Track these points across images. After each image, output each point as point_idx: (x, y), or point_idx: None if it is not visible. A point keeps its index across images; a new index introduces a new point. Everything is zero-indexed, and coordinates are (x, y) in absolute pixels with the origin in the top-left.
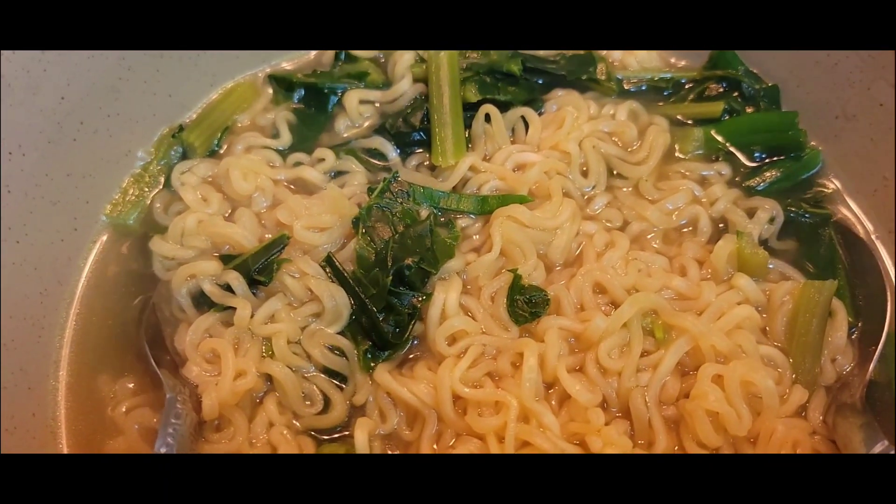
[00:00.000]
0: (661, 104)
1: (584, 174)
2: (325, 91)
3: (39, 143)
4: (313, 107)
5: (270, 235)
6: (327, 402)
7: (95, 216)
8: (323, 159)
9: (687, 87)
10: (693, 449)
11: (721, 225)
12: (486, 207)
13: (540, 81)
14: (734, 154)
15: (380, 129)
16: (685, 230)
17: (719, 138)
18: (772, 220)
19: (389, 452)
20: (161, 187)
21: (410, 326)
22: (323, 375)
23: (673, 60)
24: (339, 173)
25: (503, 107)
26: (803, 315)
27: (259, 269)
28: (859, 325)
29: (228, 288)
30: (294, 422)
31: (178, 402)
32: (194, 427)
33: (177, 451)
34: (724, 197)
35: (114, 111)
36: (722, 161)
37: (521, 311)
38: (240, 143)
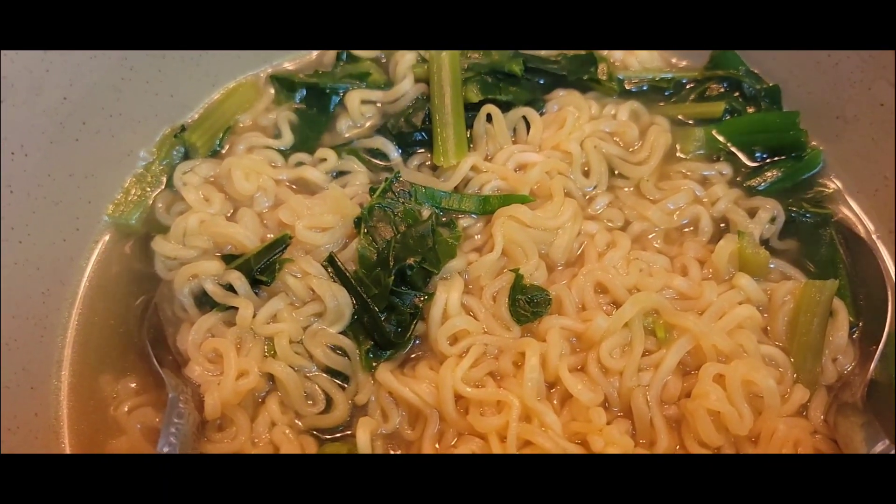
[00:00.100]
0: (662, 104)
1: (586, 174)
2: (327, 91)
3: (42, 143)
4: (315, 107)
5: (272, 235)
6: (329, 402)
7: (97, 216)
8: (325, 159)
9: (688, 87)
10: (694, 448)
11: (722, 225)
12: (487, 207)
13: (541, 81)
14: (735, 154)
15: (381, 129)
16: (686, 230)
17: (720, 138)
18: (773, 220)
19: (391, 452)
20: (163, 187)
21: (412, 326)
22: (325, 375)
23: (674, 60)
24: (340, 173)
25: (505, 107)
26: (804, 314)
27: (261, 268)
28: (860, 324)
29: (230, 288)
30: (296, 421)
31: (181, 401)
32: (197, 427)
33: (179, 450)
34: (726, 197)
35: (116, 111)
36: (723, 161)
37: (523, 310)
38: (242, 143)
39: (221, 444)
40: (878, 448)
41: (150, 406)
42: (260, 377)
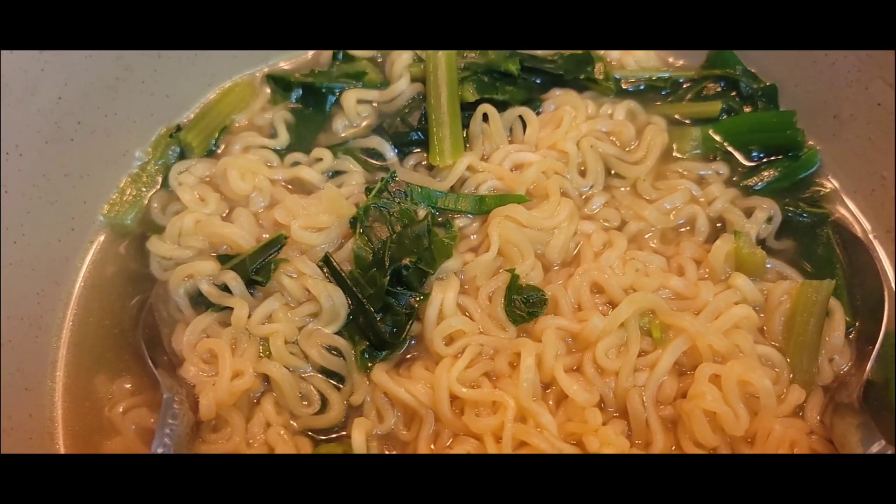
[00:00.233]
0: (658, 104)
1: (582, 174)
2: (323, 91)
3: (37, 143)
4: (311, 106)
5: (268, 235)
6: (324, 403)
7: (93, 216)
8: (321, 159)
9: (685, 86)
10: (690, 449)
11: (719, 224)
12: (483, 207)
13: (538, 81)
14: (732, 153)
15: (377, 129)
16: (683, 230)
17: (717, 138)
18: (769, 220)
19: (387, 453)
20: (159, 187)
21: (408, 326)
22: (320, 375)
23: (671, 60)
24: (336, 173)
25: (501, 106)
26: (801, 314)
27: (256, 269)
28: (857, 324)
29: (226, 288)
30: (291, 422)
31: (175, 402)
32: (191, 427)
33: (174, 451)
34: (722, 196)
35: (111, 111)
36: (720, 160)
37: (519, 310)
38: (237, 143)
39: (216, 445)
40: (874, 448)
41: (146, 407)
42: (255, 378)
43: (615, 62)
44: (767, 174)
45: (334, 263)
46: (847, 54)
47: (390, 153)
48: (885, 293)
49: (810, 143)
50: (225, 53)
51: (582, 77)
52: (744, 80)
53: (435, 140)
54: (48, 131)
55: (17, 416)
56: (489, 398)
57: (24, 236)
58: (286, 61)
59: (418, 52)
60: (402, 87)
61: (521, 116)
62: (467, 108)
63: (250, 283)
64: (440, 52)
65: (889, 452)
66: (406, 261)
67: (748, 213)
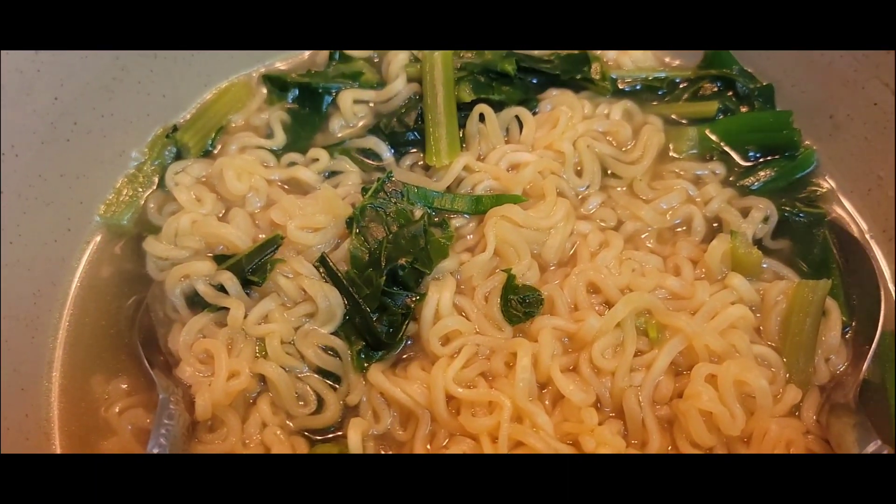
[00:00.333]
0: (655, 103)
1: (579, 174)
2: (320, 91)
3: (33, 143)
4: (307, 107)
5: (264, 236)
6: (321, 403)
7: (89, 217)
8: (317, 159)
9: (681, 86)
10: (686, 449)
11: (715, 224)
12: (480, 207)
13: (534, 81)
14: (728, 153)
15: (374, 129)
16: (679, 230)
17: (714, 138)
18: (766, 220)
19: (382, 453)
20: (155, 187)
21: (404, 326)
22: (316, 376)
23: (667, 60)
24: (333, 173)
25: (497, 106)
26: (797, 314)
27: (253, 269)
28: (853, 324)
29: (222, 288)
30: (287, 422)
31: (171, 402)
32: (187, 428)
33: (169, 451)
34: (719, 196)
35: (108, 111)
36: (716, 160)
37: (515, 310)
38: (234, 144)
39: (212, 446)
40: (870, 448)
41: (142, 407)
42: (251, 378)
43: (612, 62)
44: (764, 174)
45: (330, 264)
46: (844, 54)
47: (387, 153)
48: (882, 293)
49: (807, 142)
50: (221, 53)
51: (578, 77)
52: (740, 80)
53: (431, 140)
54: (44, 132)
55: (14, 417)
56: (485, 398)
57: (21, 237)
58: (283, 61)
59: (415, 52)
60: (399, 88)
61: (517, 116)
62: (464, 109)
63: (246, 284)
64: (436, 52)
65: (885, 452)
66: (402, 261)
67: (745, 212)
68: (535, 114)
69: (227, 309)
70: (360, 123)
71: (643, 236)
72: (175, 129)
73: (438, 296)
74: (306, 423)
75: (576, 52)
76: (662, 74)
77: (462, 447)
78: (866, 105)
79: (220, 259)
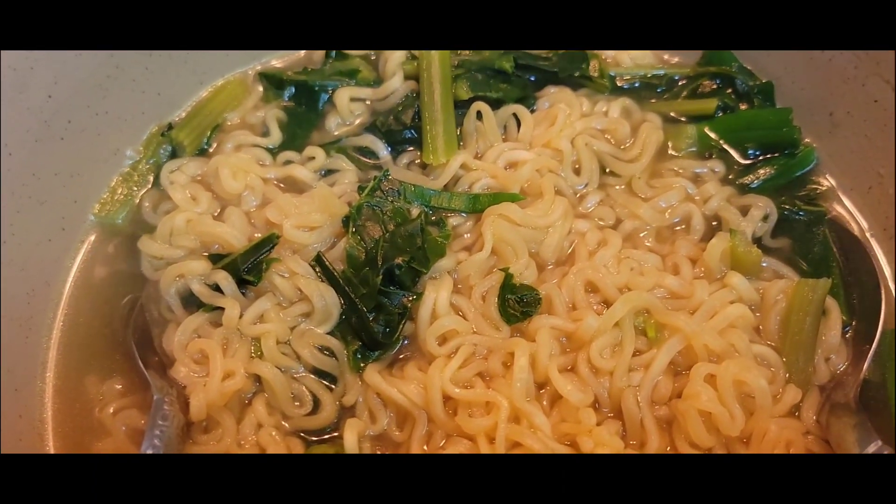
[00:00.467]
0: (654, 101)
1: (577, 172)
2: (316, 89)
3: (26, 141)
4: (304, 105)
5: (260, 234)
6: (317, 403)
7: (83, 215)
8: (313, 157)
9: (680, 83)
10: (685, 449)
11: (714, 223)
12: (477, 206)
13: (532, 78)
14: (728, 151)
15: (371, 127)
16: (678, 228)
17: (713, 135)
18: (765, 218)
19: (379, 454)
20: (150, 186)
21: (401, 326)
22: (312, 376)
23: (666, 57)
24: (329, 172)
25: (495, 104)
26: (797, 314)
27: (248, 268)
28: (853, 323)
29: (217, 288)
30: (283, 423)
31: (166, 403)
32: (182, 428)
33: (164, 452)
34: (718, 195)
35: (102, 109)
36: (715, 158)
37: (513, 310)
38: (229, 142)
39: (207, 446)
40: (871, 449)
41: (136, 408)
42: (246, 378)
43: (610, 60)
44: (763, 172)
45: (326, 263)
46: (844, 51)
47: (383, 151)
48: (882, 292)
49: (807, 140)
50: (217, 52)
51: (577, 74)
52: (740, 78)
53: (428, 138)
54: (38, 130)
55: (7, 417)
56: (482, 398)
57: (14, 236)
58: (279, 59)
59: (412, 50)
60: (396, 85)
61: (515, 114)
62: (461, 106)
63: (242, 283)
64: (434, 50)
65: (885, 452)
66: (399, 260)
67: (744, 211)
68: (532, 111)
69: (222, 309)
70: (357, 121)
71: (642, 235)
72: (170, 127)
73: (435, 295)
74: (302, 423)
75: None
76: (661, 72)
77: (459, 448)
78: (866, 102)
79: (215, 258)
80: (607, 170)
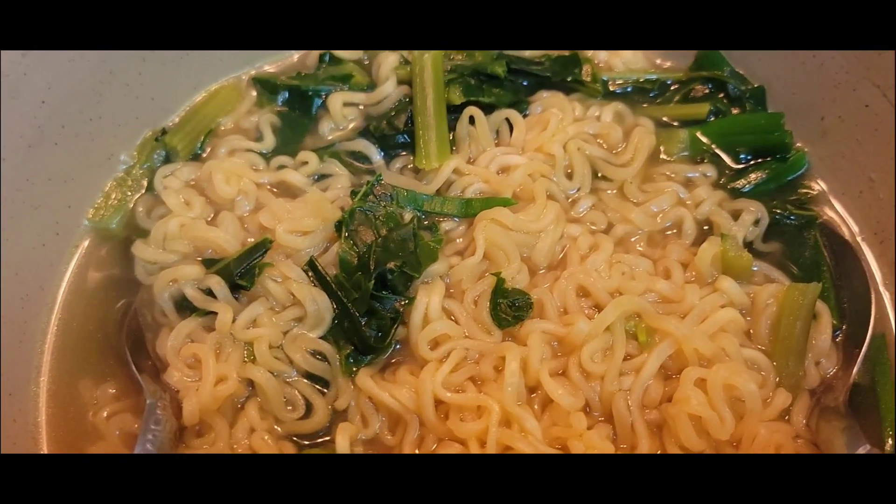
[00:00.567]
0: (646, 106)
1: (569, 176)
2: (309, 93)
3: (20, 147)
4: (297, 109)
5: (253, 239)
6: (309, 407)
7: (77, 220)
8: (306, 162)
9: (672, 88)
10: (676, 453)
11: (706, 227)
12: (469, 210)
13: (525, 83)
14: (720, 156)
15: (364, 132)
16: (670, 233)
17: (705, 140)
18: (757, 222)
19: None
20: (144, 191)
21: (393, 331)
22: (305, 380)
23: (658, 61)
24: (322, 176)
25: (487, 109)
26: (787, 318)
27: (241, 273)
28: (844, 327)
29: (211, 292)
30: (276, 427)
31: (159, 407)
32: (175, 433)
33: None
34: (710, 199)
35: (96, 115)
36: (707, 163)
37: (505, 314)
38: (223, 147)
39: (200, 450)
40: (859, 452)
41: (130, 412)
42: (239, 383)
43: (602, 64)
44: (755, 176)
45: (319, 267)
46: (835, 55)
47: (376, 156)
48: (872, 296)
49: (798, 145)
50: (210, 56)
51: (569, 79)
52: (731, 82)
53: (421, 143)
54: (31, 135)
55: (1, 421)
56: (474, 402)
57: (8, 241)
58: (272, 64)
59: (405, 54)
60: (389, 90)
61: (507, 119)
62: (454, 111)
63: (235, 288)
64: (426, 55)
65: None
66: (391, 265)
67: (735, 215)
68: (525, 116)
69: (215, 313)
70: (350, 126)
71: (633, 239)
72: (164, 132)
73: (427, 300)
74: (294, 427)
75: (566, 53)
76: (653, 76)
77: (450, 451)
78: (857, 107)
79: (208, 263)
80: (599, 174)
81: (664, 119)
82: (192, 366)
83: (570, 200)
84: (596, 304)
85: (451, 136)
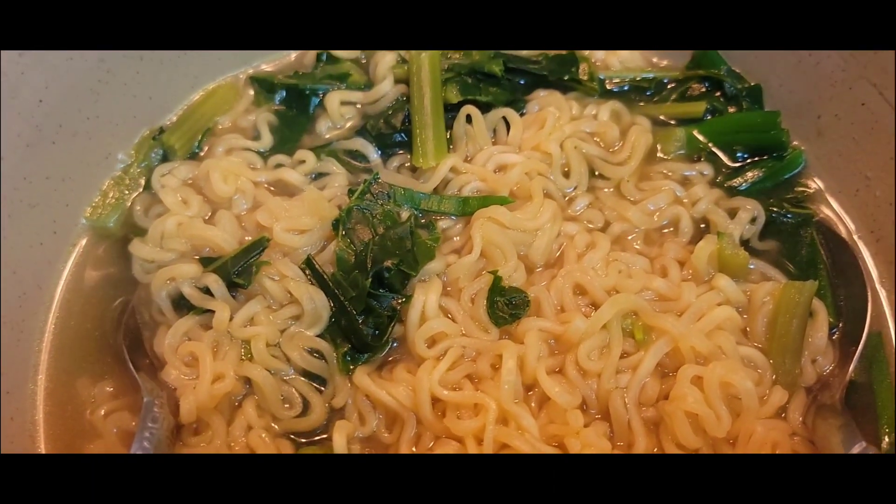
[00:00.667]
0: (643, 104)
1: (566, 175)
2: (307, 92)
3: (17, 146)
4: (295, 108)
5: (250, 238)
6: (306, 405)
7: (75, 219)
8: (304, 161)
9: (669, 86)
10: (672, 450)
11: (703, 225)
12: (466, 209)
13: (522, 82)
14: (716, 154)
15: (361, 131)
16: (666, 231)
17: (701, 138)
18: (753, 221)
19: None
20: (141, 190)
21: (390, 329)
22: (302, 378)
23: (655, 60)
24: (319, 175)
25: (484, 107)
26: (784, 316)
27: (238, 271)
28: (840, 325)
29: (208, 291)
30: (273, 425)
31: (156, 405)
32: (172, 431)
33: (153, 454)
34: (706, 197)
35: (93, 113)
36: (704, 161)
37: (501, 312)
38: (220, 145)
39: (197, 448)
40: (855, 450)
41: (127, 410)
42: (236, 381)
43: (599, 63)
44: (752, 175)
45: (316, 266)
46: (831, 54)
47: (374, 155)
48: (869, 294)
49: (795, 143)
50: (208, 55)
51: (566, 78)
52: (728, 81)
53: (418, 141)
54: (29, 134)
55: None
56: (471, 400)
57: (6, 239)
58: (269, 63)
59: (402, 53)
60: (386, 89)
61: (504, 117)
62: (451, 110)
63: (232, 286)
64: (424, 54)
65: (870, 453)
66: (388, 263)
67: (732, 213)
68: (522, 115)
69: (212, 311)
70: (348, 125)
71: (630, 237)
72: (161, 131)
73: (424, 298)
74: (292, 425)
75: (563, 52)
76: (650, 75)
77: (447, 449)
78: (854, 105)
79: (206, 261)
80: (596, 173)
81: (661, 117)
82: (189, 364)
83: (566, 199)
84: (593, 302)
85: (448, 134)
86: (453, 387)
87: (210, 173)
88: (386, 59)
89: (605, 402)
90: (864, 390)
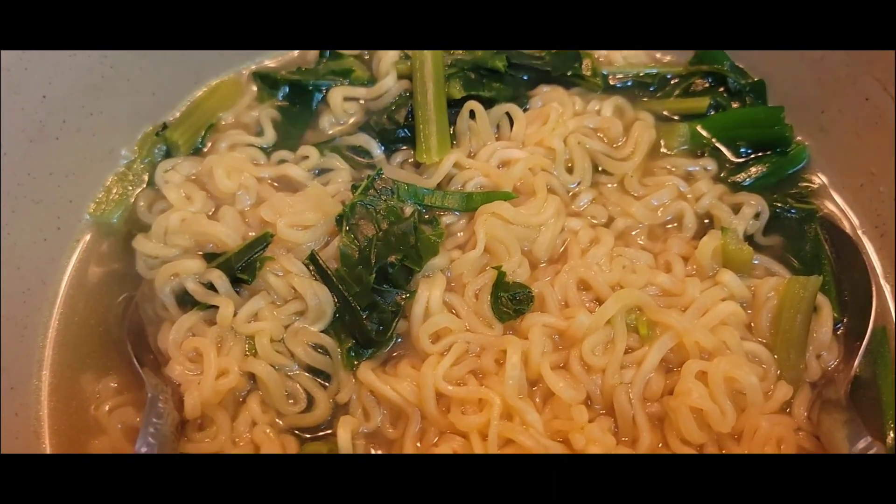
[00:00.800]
0: (646, 100)
1: (569, 170)
2: (310, 88)
3: (21, 142)
4: (298, 104)
5: (254, 233)
6: (311, 401)
7: (79, 215)
8: (307, 157)
9: (673, 82)
10: (677, 446)
11: (706, 221)
12: (470, 204)
13: (525, 77)
14: (720, 149)
15: (364, 127)
16: (670, 226)
17: (705, 134)
18: (757, 216)
19: (373, 451)
20: (145, 186)
21: (394, 324)
22: (306, 374)
23: (658, 56)
24: (323, 171)
25: (488, 103)
26: (788, 311)
27: (242, 267)
28: (844, 320)
29: (212, 286)
30: (277, 420)
31: (160, 401)
32: (176, 426)
33: (158, 450)
34: (710, 193)
35: (97, 110)
36: (708, 157)
37: (506, 308)
38: (224, 141)
39: (202, 444)
40: (861, 445)
41: (131, 405)
42: (240, 376)
43: (603, 58)
44: (755, 170)
45: (320, 261)
46: (835, 50)
47: (377, 150)
48: (873, 289)
49: (798, 138)
50: (211, 52)
51: (569, 73)
52: (732, 76)
53: (422, 137)
54: (32, 130)
55: (3, 415)
56: (475, 396)
57: (10, 235)
58: (273, 59)
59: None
60: (389, 85)
61: (507, 113)
62: (454, 105)
63: (236, 282)
64: (427, 50)
65: (874, 449)
66: (392, 258)
67: (736, 209)
68: (525, 110)
69: (216, 307)
70: (351, 121)
71: (634, 233)
72: (165, 126)
73: (428, 293)
74: (296, 421)
75: None
76: (654, 70)
77: (452, 445)
78: (858, 100)
79: (209, 257)
80: (600, 168)
81: (664, 113)
82: (193, 359)
83: (570, 194)
84: (597, 297)
85: (451, 130)
86: (457, 382)
87: (213, 169)
88: (389, 55)
89: (610, 398)
90: (869, 385)
